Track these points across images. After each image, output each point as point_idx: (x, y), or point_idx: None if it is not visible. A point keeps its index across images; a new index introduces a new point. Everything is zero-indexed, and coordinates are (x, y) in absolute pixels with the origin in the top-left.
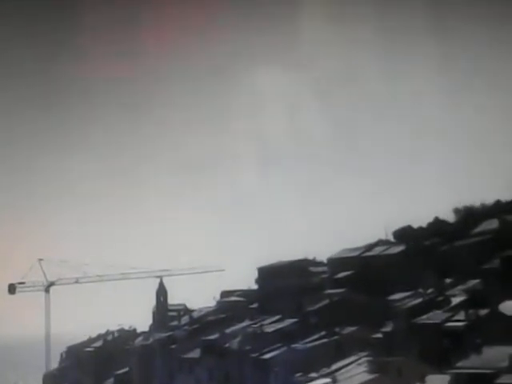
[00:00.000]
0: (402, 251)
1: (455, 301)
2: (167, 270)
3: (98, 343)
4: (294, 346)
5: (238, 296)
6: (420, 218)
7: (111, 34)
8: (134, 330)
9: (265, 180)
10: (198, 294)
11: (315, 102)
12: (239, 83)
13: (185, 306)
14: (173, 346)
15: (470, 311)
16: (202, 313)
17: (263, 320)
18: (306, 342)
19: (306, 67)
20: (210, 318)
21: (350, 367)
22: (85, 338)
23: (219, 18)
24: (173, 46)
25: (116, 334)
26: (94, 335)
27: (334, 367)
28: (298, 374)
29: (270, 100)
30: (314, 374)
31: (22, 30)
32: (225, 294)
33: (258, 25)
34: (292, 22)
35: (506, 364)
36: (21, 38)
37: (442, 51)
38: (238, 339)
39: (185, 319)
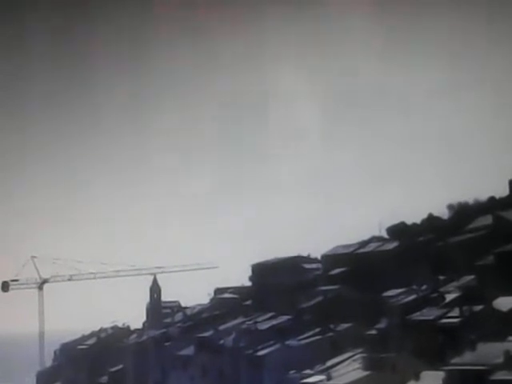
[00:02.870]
0: (396, 248)
1: (449, 297)
2: (161, 267)
3: (92, 340)
4: (288, 342)
5: (231, 293)
6: (414, 215)
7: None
8: (128, 327)
9: (256, 176)
10: (191, 291)
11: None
12: None
13: (178, 303)
14: (167, 343)
15: (465, 308)
16: (196, 310)
17: (257, 317)
18: (301, 339)
19: None
20: (204, 315)
21: (344, 364)
22: (78, 336)
23: None
24: None
25: (110, 332)
26: (87, 332)
27: (328, 364)
28: (293, 371)
29: None
30: (308, 371)
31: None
32: (218, 291)
33: None
34: None
35: (500, 360)
36: None
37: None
38: (232, 336)
39: (178, 316)
